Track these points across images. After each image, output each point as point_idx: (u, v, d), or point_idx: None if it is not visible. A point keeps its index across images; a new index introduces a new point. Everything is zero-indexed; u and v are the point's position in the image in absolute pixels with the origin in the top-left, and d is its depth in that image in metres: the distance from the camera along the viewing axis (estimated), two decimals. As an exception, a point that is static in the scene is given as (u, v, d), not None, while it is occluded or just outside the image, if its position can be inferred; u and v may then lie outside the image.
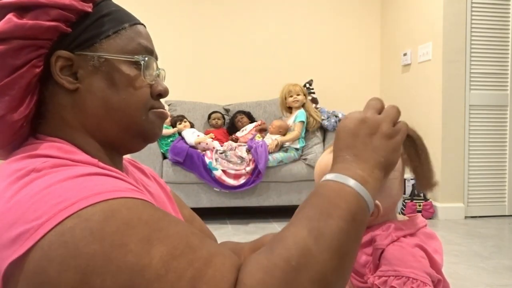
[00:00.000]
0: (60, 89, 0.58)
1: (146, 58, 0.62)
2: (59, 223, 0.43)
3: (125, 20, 0.63)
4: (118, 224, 0.44)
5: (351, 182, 0.51)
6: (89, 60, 0.58)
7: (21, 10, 0.54)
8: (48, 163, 0.49)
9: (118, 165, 0.65)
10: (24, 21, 0.53)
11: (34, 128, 0.60)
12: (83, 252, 0.42)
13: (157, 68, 0.65)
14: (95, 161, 0.54)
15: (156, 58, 0.66)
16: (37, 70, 0.56)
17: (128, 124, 0.61)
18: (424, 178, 0.65)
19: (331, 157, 0.69)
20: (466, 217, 3.50)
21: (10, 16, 0.53)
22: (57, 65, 0.57)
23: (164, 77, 0.69)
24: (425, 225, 0.71)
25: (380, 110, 0.59)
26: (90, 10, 0.59)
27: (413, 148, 0.67)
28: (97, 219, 0.44)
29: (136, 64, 0.61)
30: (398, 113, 0.59)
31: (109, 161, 0.60)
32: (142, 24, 0.66)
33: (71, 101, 0.59)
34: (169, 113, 0.72)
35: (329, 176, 0.53)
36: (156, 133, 0.64)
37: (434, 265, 0.64)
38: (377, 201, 0.66)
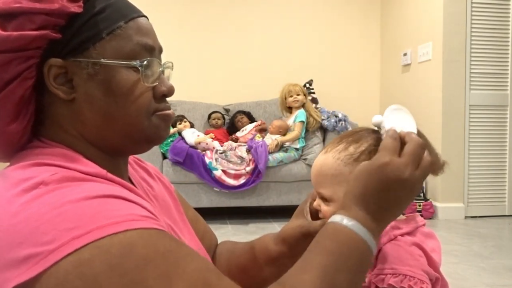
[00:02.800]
0: (56, 98, 0.55)
1: (145, 62, 0.56)
2: (74, 251, 0.41)
3: (121, 15, 0.56)
4: (137, 259, 0.43)
5: (369, 241, 0.51)
6: (83, 68, 0.54)
7: (3, 19, 0.50)
8: (57, 175, 0.47)
9: (123, 169, 0.63)
10: (8, 32, 0.50)
11: (36, 132, 0.57)
12: (103, 286, 0.41)
13: (161, 66, 0.60)
14: (103, 172, 0.52)
15: (160, 51, 0.61)
16: (30, 81, 0.53)
17: (130, 132, 0.57)
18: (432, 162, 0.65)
19: (326, 158, 0.69)
20: (466, 217, 3.50)
21: None
22: (50, 74, 0.53)
23: (172, 67, 0.65)
24: (423, 224, 0.71)
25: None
26: (79, 10, 0.53)
27: None
28: (116, 253, 0.42)
29: (135, 68, 0.56)
30: (431, 167, 0.58)
31: (113, 168, 0.58)
32: (143, 16, 0.60)
33: (69, 111, 0.56)
34: (174, 113, 0.67)
35: (348, 222, 0.51)
36: (161, 136, 0.61)
37: (432, 263, 0.64)
38: None
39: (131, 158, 0.73)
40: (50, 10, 0.51)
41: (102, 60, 0.54)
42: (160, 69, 0.60)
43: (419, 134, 0.62)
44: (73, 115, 0.56)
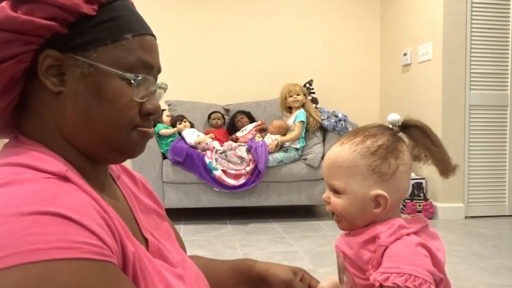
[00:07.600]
0: (44, 87, 0.55)
1: (140, 78, 0.57)
2: None
3: (130, 29, 0.57)
4: None
5: None
6: (79, 66, 0.55)
7: (17, 1, 0.51)
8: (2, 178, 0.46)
9: (101, 171, 0.62)
10: (18, 14, 0.50)
11: (19, 124, 0.58)
12: None
13: (155, 85, 0.61)
14: (63, 170, 0.51)
15: (159, 72, 0.62)
16: (23, 65, 0.54)
17: (107, 139, 0.58)
18: (445, 162, 0.66)
19: (342, 149, 0.69)
20: (466, 217, 3.50)
21: (3, 4, 0.50)
22: (44, 63, 0.54)
23: (166, 89, 0.65)
24: (428, 225, 0.71)
25: None
26: (92, 13, 0.55)
27: (426, 137, 0.69)
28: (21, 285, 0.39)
29: (128, 80, 0.57)
30: None
31: (89, 168, 0.58)
32: (151, 34, 0.61)
33: (53, 102, 0.56)
34: (153, 132, 0.67)
35: None
36: (136, 152, 0.61)
37: (437, 263, 0.64)
38: (385, 193, 0.66)
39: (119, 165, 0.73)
40: (63, 5, 0.52)
41: (99, 64, 0.55)
42: (153, 88, 0.61)
43: (432, 134, 0.63)
44: (56, 108, 0.56)
